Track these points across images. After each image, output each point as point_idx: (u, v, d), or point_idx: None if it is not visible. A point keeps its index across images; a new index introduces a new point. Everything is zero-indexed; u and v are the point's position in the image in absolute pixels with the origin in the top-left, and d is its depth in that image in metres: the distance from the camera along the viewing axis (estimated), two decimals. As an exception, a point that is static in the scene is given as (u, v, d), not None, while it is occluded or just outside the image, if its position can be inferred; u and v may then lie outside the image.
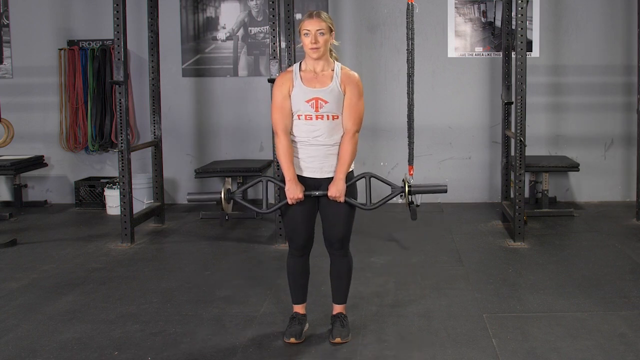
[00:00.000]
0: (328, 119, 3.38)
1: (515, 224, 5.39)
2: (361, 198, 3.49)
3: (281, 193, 3.47)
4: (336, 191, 3.37)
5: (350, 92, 3.41)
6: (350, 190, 3.43)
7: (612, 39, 6.96)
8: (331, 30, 3.40)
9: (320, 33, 3.35)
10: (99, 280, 4.64)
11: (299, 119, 3.39)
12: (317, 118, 3.37)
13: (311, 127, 3.38)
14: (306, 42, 3.36)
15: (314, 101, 3.37)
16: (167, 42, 6.97)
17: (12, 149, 6.89)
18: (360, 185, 3.51)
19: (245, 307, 4.04)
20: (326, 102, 3.37)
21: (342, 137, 3.42)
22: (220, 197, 3.45)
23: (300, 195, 3.37)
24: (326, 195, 3.40)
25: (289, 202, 3.39)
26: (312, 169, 3.42)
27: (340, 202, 3.39)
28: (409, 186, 3.42)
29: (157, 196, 6.35)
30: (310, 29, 3.34)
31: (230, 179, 3.56)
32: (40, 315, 3.97)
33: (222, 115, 7.27)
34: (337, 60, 3.50)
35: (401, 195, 3.46)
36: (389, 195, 3.50)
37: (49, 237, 5.93)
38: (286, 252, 3.63)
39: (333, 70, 3.43)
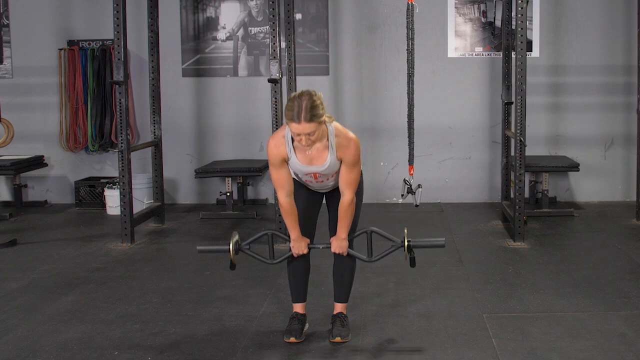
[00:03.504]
0: (328, 179, 3.44)
1: (515, 224, 5.39)
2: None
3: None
4: (339, 248, 3.47)
5: (347, 159, 3.31)
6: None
7: (612, 39, 6.96)
8: (320, 120, 3.15)
9: (312, 133, 3.14)
10: (99, 280, 4.64)
11: (300, 180, 3.49)
12: (317, 182, 3.46)
13: (312, 184, 3.49)
14: (296, 138, 3.18)
15: (312, 175, 3.41)
16: (167, 42, 6.97)
17: (12, 149, 6.89)
18: (362, 238, 3.59)
19: (245, 307, 4.04)
20: (324, 174, 3.39)
21: (340, 199, 3.42)
22: (229, 249, 3.49)
23: (306, 251, 3.48)
24: (329, 247, 3.49)
25: (294, 255, 3.50)
26: (316, 189, 3.54)
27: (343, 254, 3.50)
28: (408, 241, 3.47)
29: (157, 196, 6.35)
30: (299, 132, 3.13)
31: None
32: (40, 315, 3.97)
33: (222, 115, 7.27)
34: (331, 121, 3.31)
35: (402, 249, 3.50)
36: (388, 250, 3.55)
37: (49, 237, 5.93)
38: (286, 252, 3.63)
39: (327, 139, 3.29)
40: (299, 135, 3.14)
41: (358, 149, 3.32)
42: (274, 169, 3.36)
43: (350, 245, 3.53)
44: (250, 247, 3.53)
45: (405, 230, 3.53)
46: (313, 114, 3.10)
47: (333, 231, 3.54)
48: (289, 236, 3.50)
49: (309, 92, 3.17)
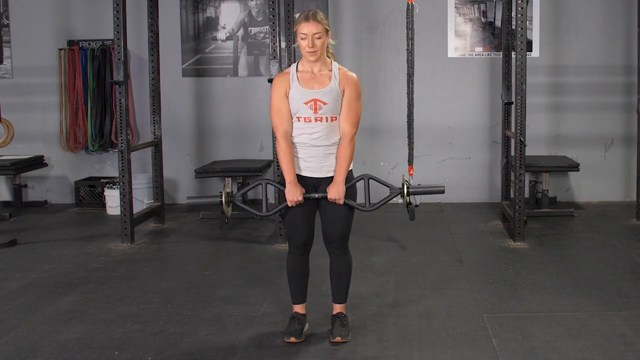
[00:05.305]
0: (327, 120, 3.39)
1: (515, 224, 5.39)
2: (360, 199, 3.50)
3: (281, 195, 3.47)
4: (336, 193, 3.38)
5: (348, 93, 3.41)
6: (350, 191, 3.44)
7: (612, 39, 6.96)
8: (327, 31, 3.39)
9: (317, 36, 3.34)
10: (99, 280, 4.64)
11: (299, 121, 3.40)
12: (316, 120, 3.38)
13: (310, 129, 3.39)
14: (303, 44, 3.36)
15: (312, 102, 3.37)
16: (167, 42, 6.97)
17: (12, 149, 6.89)
18: (360, 186, 3.51)
19: (245, 307, 4.04)
20: (325, 104, 3.37)
21: (340, 138, 3.42)
22: (220, 200, 3.44)
23: (300, 198, 3.38)
24: (326, 197, 3.41)
25: (289, 204, 3.40)
26: (312, 169, 3.44)
27: (340, 204, 3.40)
28: (407, 187, 3.41)
29: (157, 196, 6.35)
30: (307, 32, 3.32)
31: (230, 181, 3.58)
32: (40, 315, 3.97)
33: (222, 115, 7.27)
34: (334, 60, 3.51)
35: (400, 196, 3.46)
36: (387, 197, 3.50)
37: (49, 237, 5.93)
38: (286, 252, 3.63)
39: (331, 70, 3.44)
40: (305, 36, 3.31)
41: (359, 86, 3.46)
42: (273, 108, 3.40)
43: (346, 247, 3.51)
44: (245, 201, 3.45)
45: (403, 176, 3.50)
46: (321, 17, 3.36)
47: (327, 239, 3.52)
48: (284, 186, 3.42)
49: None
